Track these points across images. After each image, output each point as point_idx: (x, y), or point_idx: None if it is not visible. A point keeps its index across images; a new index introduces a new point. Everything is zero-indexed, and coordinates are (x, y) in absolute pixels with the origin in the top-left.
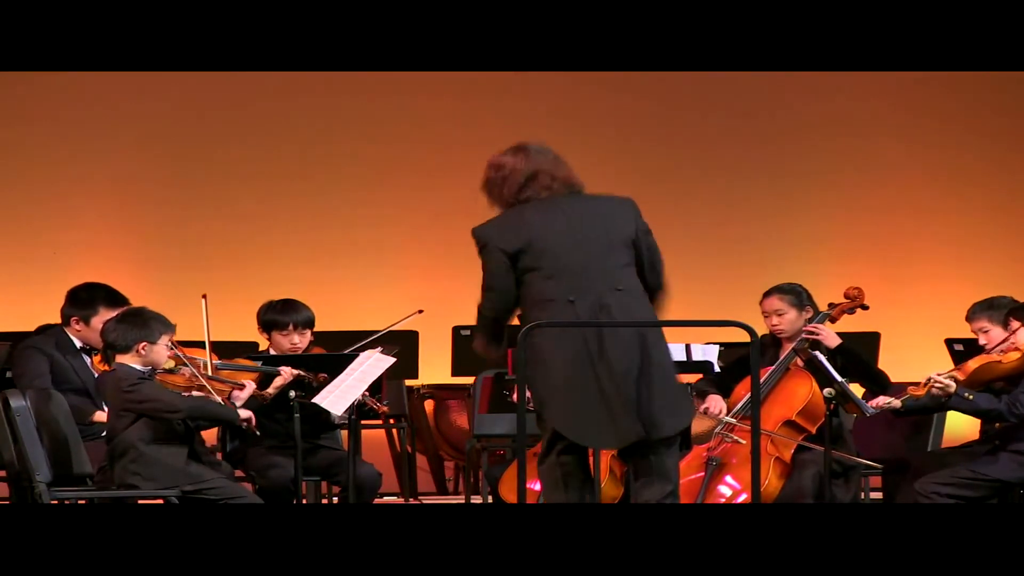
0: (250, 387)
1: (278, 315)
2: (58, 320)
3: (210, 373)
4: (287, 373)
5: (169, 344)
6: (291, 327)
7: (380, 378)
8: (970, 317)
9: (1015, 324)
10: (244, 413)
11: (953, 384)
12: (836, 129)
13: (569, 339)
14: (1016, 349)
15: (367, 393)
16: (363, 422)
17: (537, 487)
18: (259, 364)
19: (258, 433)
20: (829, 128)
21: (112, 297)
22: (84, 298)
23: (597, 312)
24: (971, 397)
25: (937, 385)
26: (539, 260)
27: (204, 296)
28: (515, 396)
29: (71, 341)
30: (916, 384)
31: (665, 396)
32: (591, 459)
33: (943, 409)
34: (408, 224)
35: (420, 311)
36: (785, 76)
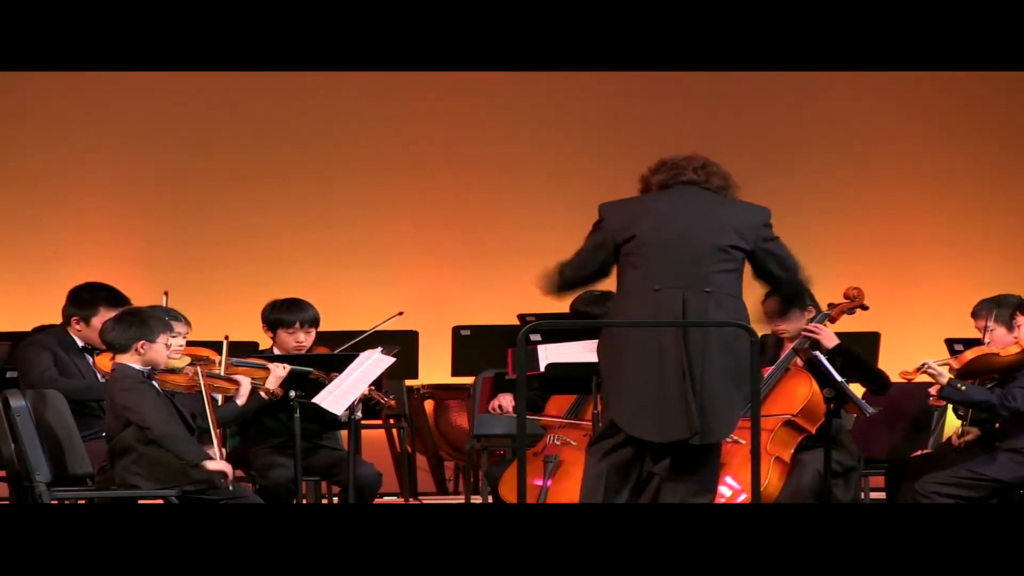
0: (246, 384)
1: (284, 313)
2: (58, 319)
3: (223, 372)
4: (284, 369)
5: (168, 343)
6: (297, 325)
7: (380, 377)
8: (976, 313)
9: (1021, 319)
10: (219, 467)
11: (945, 374)
12: (836, 129)
13: (644, 331)
14: (1015, 343)
15: (372, 388)
16: (363, 422)
17: (538, 482)
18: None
19: (231, 488)
20: (829, 128)
21: (113, 297)
22: (85, 298)
23: (679, 307)
24: (963, 388)
25: (929, 371)
26: (639, 250)
27: (226, 337)
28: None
29: (73, 340)
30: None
31: (714, 403)
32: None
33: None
34: (409, 224)
35: (400, 313)
36: (784, 76)
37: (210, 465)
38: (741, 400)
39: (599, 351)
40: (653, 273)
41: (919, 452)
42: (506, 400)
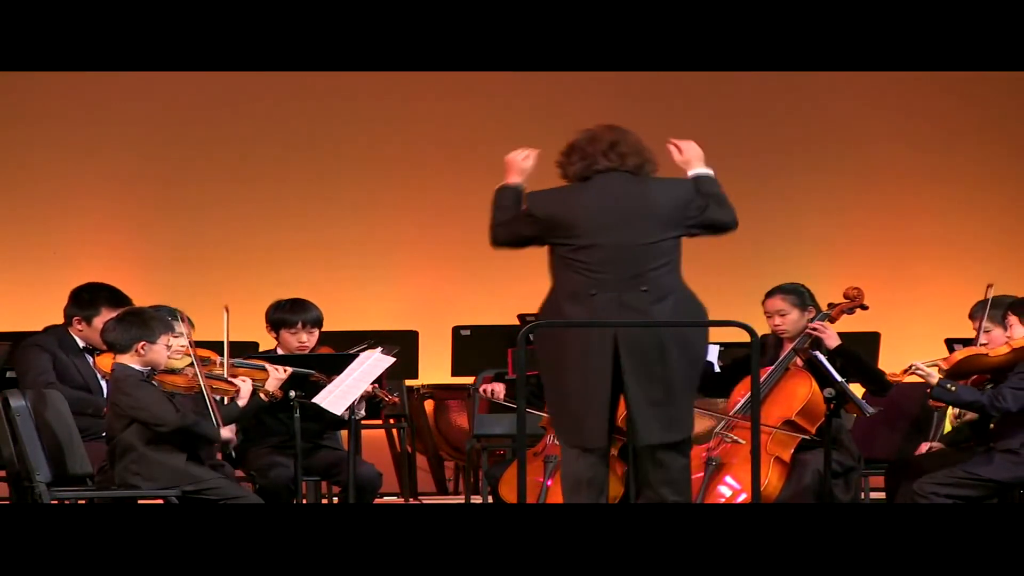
0: (247, 385)
1: (287, 313)
2: (58, 320)
3: (225, 374)
4: (284, 372)
5: (169, 344)
6: (300, 325)
7: (380, 377)
8: (973, 315)
9: (1012, 319)
10: (225, 434)
11: (935, 375)
12: (836, 130)
13: (578, 336)
14: (1005, 343)
15: (376, 385)
16: (364, 422)
17: (539, 479)
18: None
19: (233, 455)
20: (829, 129)
21: (114, 297)
22: (86, 298)
23: (616, 309)
24: (953, 388)
25: (919, 372)
26: (575, 254)
27: (226, 308)
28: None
29: (74, 341)
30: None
31: (664, 404)
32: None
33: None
34: (409, 224)
35: (368, 343)
36: (784, 76)
37: (224, 434)
38: (693, 398)
39: (537, 353)
40: (589, 278)
41: (926, 446)
42: (499, 386)
